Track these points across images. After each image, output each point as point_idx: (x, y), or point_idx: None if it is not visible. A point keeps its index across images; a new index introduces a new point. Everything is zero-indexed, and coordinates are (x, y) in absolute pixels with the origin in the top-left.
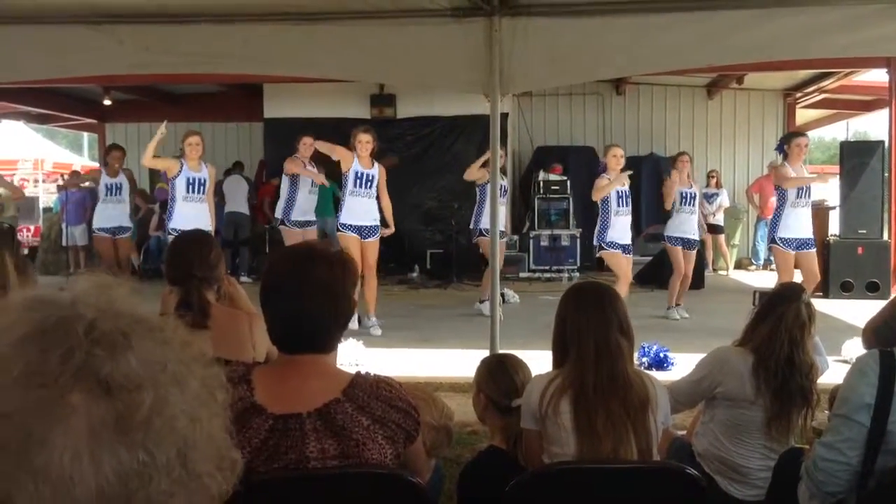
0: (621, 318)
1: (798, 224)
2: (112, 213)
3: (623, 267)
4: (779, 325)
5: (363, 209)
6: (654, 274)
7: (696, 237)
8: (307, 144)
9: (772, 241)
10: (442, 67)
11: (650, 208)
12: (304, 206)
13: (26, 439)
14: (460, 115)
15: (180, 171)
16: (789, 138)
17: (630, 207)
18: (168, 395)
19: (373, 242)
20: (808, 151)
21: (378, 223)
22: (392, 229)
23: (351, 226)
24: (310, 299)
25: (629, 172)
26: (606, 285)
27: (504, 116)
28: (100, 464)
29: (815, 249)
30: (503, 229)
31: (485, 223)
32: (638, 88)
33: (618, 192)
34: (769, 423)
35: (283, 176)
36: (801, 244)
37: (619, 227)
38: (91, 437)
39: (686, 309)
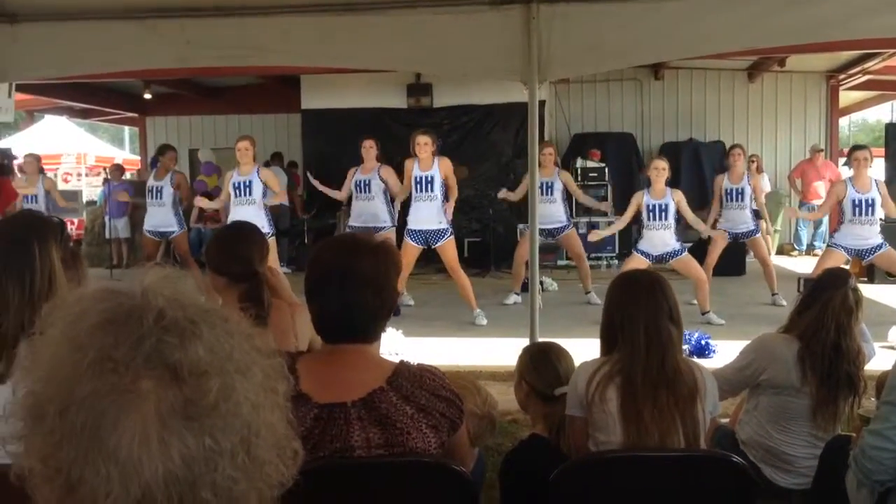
0: (672, 306)
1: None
2: (154, 217)
3: (631, 264)
4: (825, 311)
5: (427, 214)
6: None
7: (745, 229)
8: (366, 147)
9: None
10: (479, 55)
11: (689, 195)
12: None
13: (98, 423)
14: (497, 103)
15: (233, 177)
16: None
17: (666, 220)
18: (234, 382)
19: (443, 245)
20: (853, 134)
21: (444, 226)
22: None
23: (414, 232)
24: (355, 290)
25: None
26: (657, 273)
27: (541, 104)
28: (167, 448)
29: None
30: (564, 223)
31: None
32: (677, 73)
33: (647, 206)
34: (815, 411)
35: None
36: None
37: (649, 240)
38: (160, 421)
39: (725, 295)
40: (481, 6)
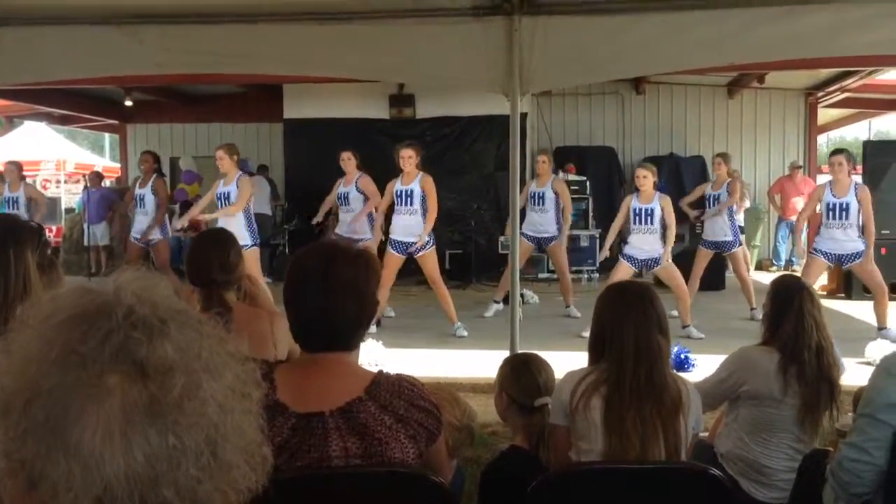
0: (661, 317)
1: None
2: (140, 224)
3: (618, 274)
4: (801, 315)
5: (405, 225)
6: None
7: (724, 240)
8: (345, 160)
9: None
10: (461, 67)
11: None
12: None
13: (62, 417)
14: (479, 114)
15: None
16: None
17: (652, 225)
18: (201, 381)
19: (424, 256)
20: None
21: (425, 238)
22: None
23: (396, 242)
24: (333, 297)
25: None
26: (647, 284)
27: (523, 116)
28: (129, 444)
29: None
30: (555, 234)
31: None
32: (658, 88)
33: (634, 210)
34: (802, 418)
35: None
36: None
37: (635, 244)
38: (124, 417)
39: (704, 310)
40: (464, 17)
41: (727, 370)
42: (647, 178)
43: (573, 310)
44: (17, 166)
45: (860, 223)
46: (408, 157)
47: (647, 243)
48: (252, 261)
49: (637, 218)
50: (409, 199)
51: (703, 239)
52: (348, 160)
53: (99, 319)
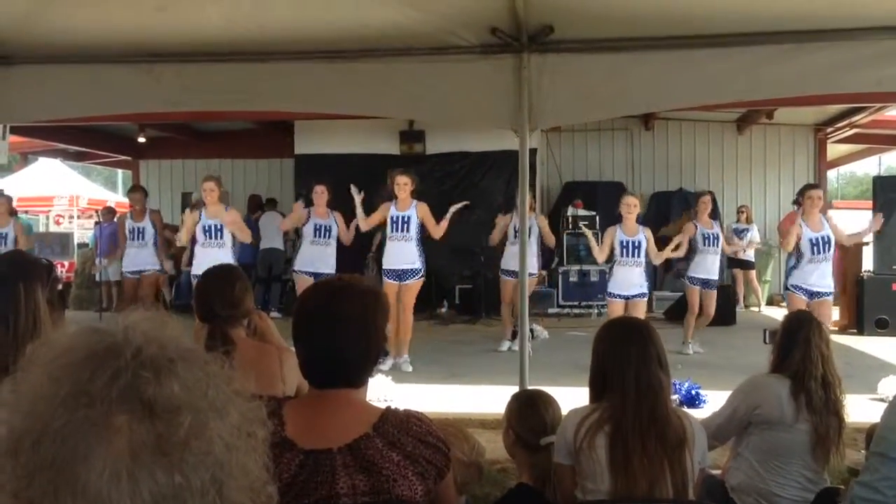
0: (660, 353)
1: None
2: (136, 258)
3: (614, 314)
4: (809, 347)
5: (400, 253)
6: (682, 311)
7: (716, 277)
8: (318, 193)
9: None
10: (471, 103)
11: None
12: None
13: (70, 457)
14: (489, 150)
15: (199, 220)
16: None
17: (639, 258)
18: (207, 420)
19: (410, 285)
20: (841, 187)
21: (417, 266)
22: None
23: (389, 271)
24: (341, 333)
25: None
26: (644, 320)
27: (533, 152)
28: (137, 484)
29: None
30: (533, 271)
31: (505, 264)
32: (667, 123)
33: (621, 242)
34: (813, 447)
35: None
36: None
37: (620, 277)
38: (131, 457)
39: (701, 343)
40: (473, 55)
41: (738, 398)
42: (636, 208)
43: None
44: (7, 199)
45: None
46: (403, 184)
47: (633, 276)
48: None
49: (624, 251)
50: (405, 226)
51: (693, 277)
52: (322, 194)
53: (108, 359)
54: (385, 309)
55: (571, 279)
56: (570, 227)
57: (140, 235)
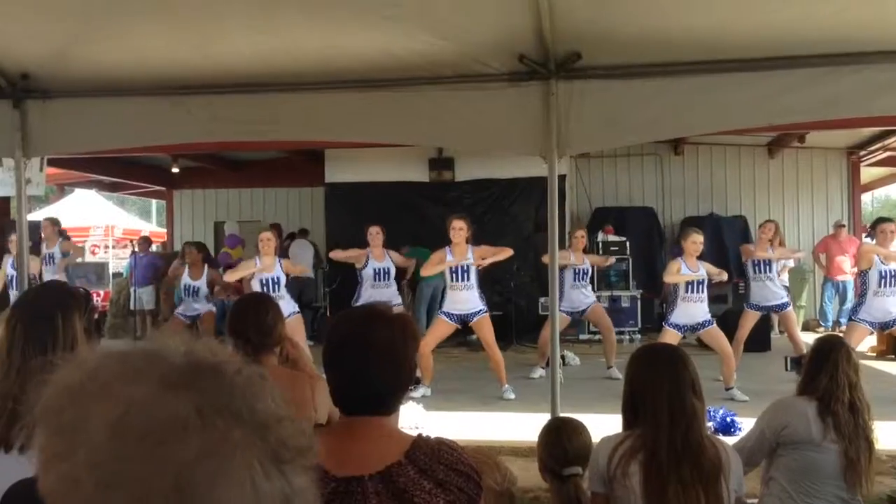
0: (694, 379)
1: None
2: (191, 307)
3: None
4: (837, 372)
5: (463, 301)
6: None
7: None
8: (373, 234)
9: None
10: (499, 130)
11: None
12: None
13: (204, 484)
14: (518, 177)
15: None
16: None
17: (702, 293)
18: (297, 426)
19: (480, 322)
20: (876, 210)
21: (481, 307)
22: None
23: (449, 313)
24: (370, 361)
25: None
26: (677, 347)
27: (562, 178)
28: (264, 495)
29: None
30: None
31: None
32: (696, 148)
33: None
34: (844, 470)
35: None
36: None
37: (684, 312)
38: (254, 468)
39: (750, 371)
40: (501, 83)
41: (765, 421)
42: (701, 245)
43: (615, 371)
44: (50, 222)
45: None
46: (458, 229)
47: (697, 311)
48: (298, 325)
49: (690, 286)
50: (465, 275)
51: (751, 303)
52: (377, 235)
53: (215, 382)
54: (415, 337)
55: (603, 306)
56: (600, 252)
57: (195, 293)
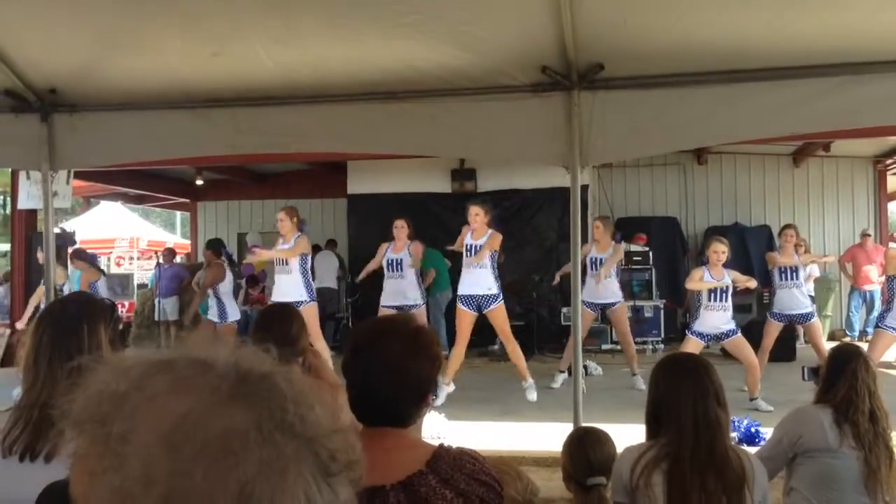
0: (718, 389)
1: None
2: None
3: (687, 349)
4: (856, 381)
5: (475, 279)
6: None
7: (801, 311)
8: (398, 227)
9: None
10: (522, 141)
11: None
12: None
13: (267, 498)
14: (540, 187)
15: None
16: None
17: (726, 302)
18: (346, 438)
19: (494, 311)
20: None
21: (495, 291)
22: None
23: (465, 297)
24: (376, 374)
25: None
26: (701, 356)
27: (584, 188)
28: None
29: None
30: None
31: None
32: (720, 157)
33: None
34: (865, 479)
35: None
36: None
37: (707, 320)
38: (307, 482)
39: (774, 381)
40: (523, 93)
41: (782, 430)
42: (725, 254)
43: (639, 380)
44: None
45: None
46: (475, 215)
47: (720, 319)
48: (310, 317)
49: (712, 294)
50: (476, 254)
51: (774, 311)
52: (402, 228)
53: (268, 395)
54: (429, 351)
55: (626, 315)
56: (624, 262)
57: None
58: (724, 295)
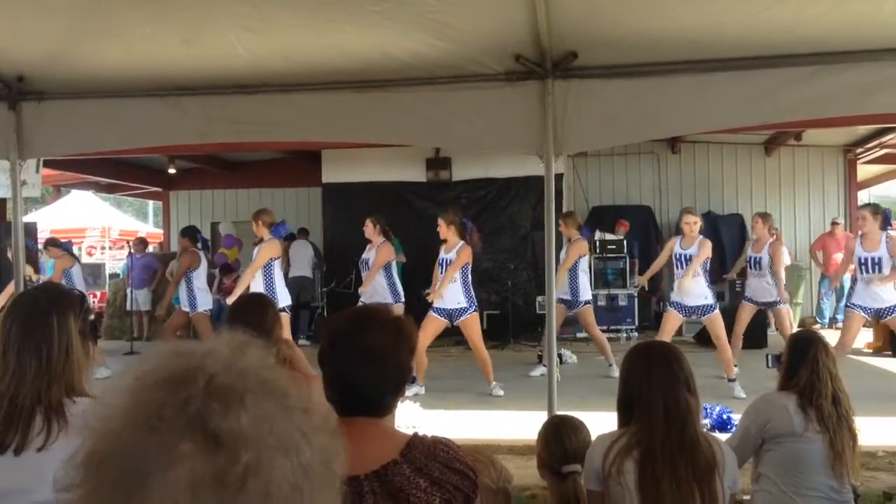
0: (688, 377)
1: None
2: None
3: (667, 323)
4: (817, 366)
5: (448, 295)
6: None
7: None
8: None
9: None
10: (496, 130)
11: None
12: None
13: (129, 481)
14: (515, 176)
15: None
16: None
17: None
18: (272, 458)
19: (466, 322)
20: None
21: (464, 304)
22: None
23: (438, 308)
24: (357, 364)
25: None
26: (671, 344)
27: (559, 177)
28: None
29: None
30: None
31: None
32: (693, 146)
33: (676, 255)
34: (832, 462)
35: None
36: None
37: (680, 289)
38: (190, 487)
39: (746, 368)
40: (497, 82)
41: (749, 418)
42: (696, 224)
43: (615, 369)
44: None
45: None
46: (438, 227)
47: (691, 289)
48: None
49: (678, 263)
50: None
51: (746, 296)
52: (367, 226)
53: (183, 385)
54: (408, 341)
55: (600, 303)
56: (598, 251)
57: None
58: (689, 263)
